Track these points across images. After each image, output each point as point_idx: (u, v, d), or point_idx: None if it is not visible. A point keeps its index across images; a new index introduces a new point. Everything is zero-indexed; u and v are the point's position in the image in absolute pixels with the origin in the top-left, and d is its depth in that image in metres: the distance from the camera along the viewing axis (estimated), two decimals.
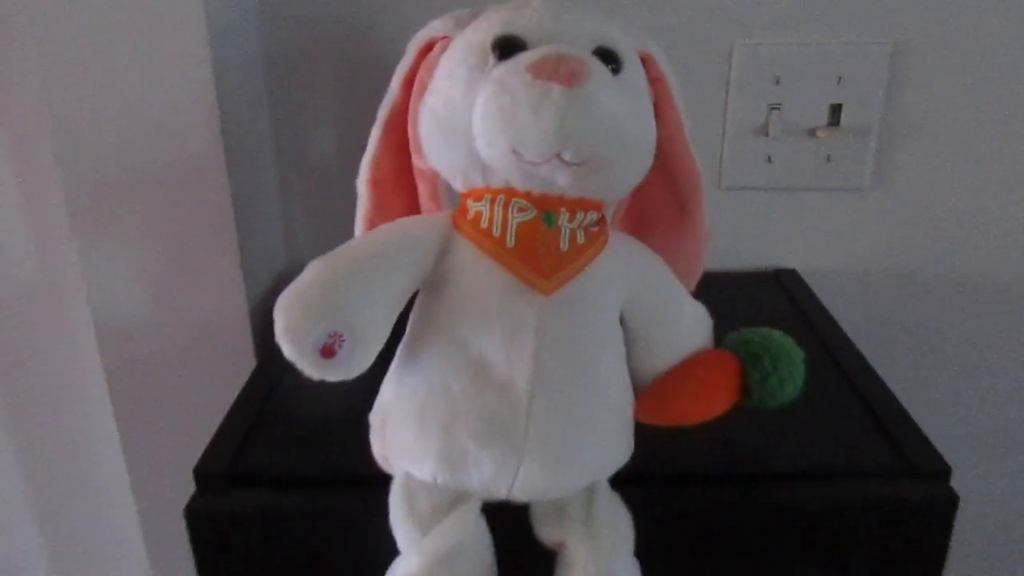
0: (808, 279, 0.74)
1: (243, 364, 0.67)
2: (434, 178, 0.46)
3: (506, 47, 0.40)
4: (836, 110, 0.70)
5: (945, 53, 0.70)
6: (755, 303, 0.69)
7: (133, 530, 0.79)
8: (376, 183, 0.47)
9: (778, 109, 0.70)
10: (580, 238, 0.41)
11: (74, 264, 0.69)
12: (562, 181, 0.40)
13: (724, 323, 0.50)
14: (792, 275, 0.74)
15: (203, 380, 0.69)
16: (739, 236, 0.75)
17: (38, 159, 0.73)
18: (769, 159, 0.71)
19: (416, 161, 0.46)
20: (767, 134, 0.70)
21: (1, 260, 0.77)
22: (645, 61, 0.44)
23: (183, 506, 0.48)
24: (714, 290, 0.69)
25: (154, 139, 0.62)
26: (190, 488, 0.48)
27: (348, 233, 0.51)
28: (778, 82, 0.69)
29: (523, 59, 0.38)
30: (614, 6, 0.68)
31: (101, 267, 0.66)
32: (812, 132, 0.70)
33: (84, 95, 0.61)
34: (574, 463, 0.42)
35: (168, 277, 0.66)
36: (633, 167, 0.43)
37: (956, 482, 0.46)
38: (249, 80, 0.69)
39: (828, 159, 0.71)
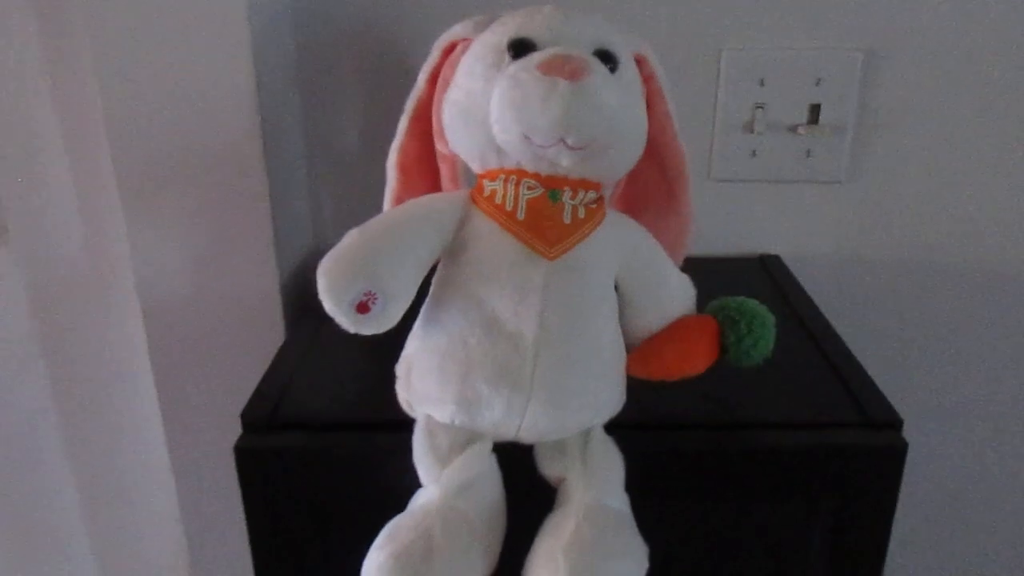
0: (789, 263, 0.77)
1: (274, 335, 0.72)
2: (454, 161, 0.51)
3: (519, 48, 0.45)
4: (815, 109, 0.73)
5: (913, 58, 0.73)
6: (741, 285, 0.73)
7: (166, 478, 0.83)
8: (403, 166, 0.53)
9: (762, 108, 0.72)
10: (580, 213, 0.46)
11: (122, 242, 0.73)
12: (566, 163, 0.45)
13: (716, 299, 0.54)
14: (775, 260, 0.78)
15: (237, 350, 0.73)
16: (727, 224, 0.78)
17: (91, 147, 0.76)
18: (754, 153, 0.74)
19: (439, 146, 0.52)
20: (752, 131, 0.73)
21: (55, 239, 0.80)
22: (639, 62, 0.49)
23: (213, 462, 0.52)
24: (704, 273, 0.74)
25: (198, 128, 0.66)
26: (227, 449, 0.52)
27: (371, 216, 0.53)
28: (762, 83, 0.72)
29: (534, 58, 0.44)
30: (615, 14, 0.71)
31: (147, 245, 0.70)
32: (793, 129, 0.73)
33: (135, 88, 0.65)
34: (573, 407, 0.46)
35: (207, 255, 0.70)
36: (627, 152, 0.48)
37: (910, 435, 0.51)
38: (283, 76, 0.73)
39: (808, 154, 0.74)
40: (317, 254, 0.80)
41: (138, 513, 0.92)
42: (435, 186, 0.53)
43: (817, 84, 0.72)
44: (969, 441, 0.86)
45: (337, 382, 0.58)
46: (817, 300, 0.70)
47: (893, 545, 0.85)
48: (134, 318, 0.75)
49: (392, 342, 0.48)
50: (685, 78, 0.74)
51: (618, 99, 0.45)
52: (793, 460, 0.51)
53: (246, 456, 0.51)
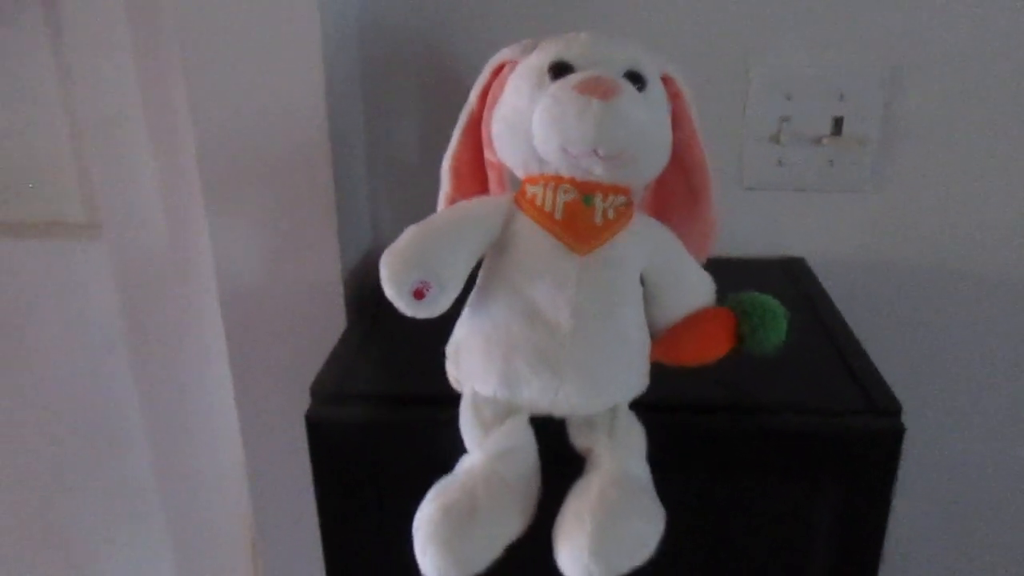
0: (813, 266, 0.80)
1: (336, 322, 0.77)
2: (501, 168, 0.57)
3: (559, 70, 0.51)
4: (839, 122, 0.75)
5: (934, 74, 0.75)
6: (765, 284, 0.76)
7: (238, 450, 0.88)
8: (456, 171, 0.58)
9: (788, 121, 0.76)
10: (611, 214, 0.52)
11: (203, 236, 0.79)
12: (598, 171, 0.50)
13: None
14: (799, 263, 0.81)
15: (303, 335, 0.78)
16: (755, 228, 0.81)
17: (177, 150, 0.82)
18: (780, 163, 0.78)
19: (487, 155, 0.57)
20: (779, 142, 0.76)
21: (143, 235, 0.86)
22: (666, 80, 0.54)
23: (280, 434, 0.54)
24: (732, 274, 0.78)
25: (273, 134, 0.71)
26: (289, 418, 0.56)
27: (425, 216, 0.56)
28: (789, 98, 0.76)
29: (571, 79, 0.49)
30: (648, 33, 0.75)
31: (226, 239, 0.75)
32: (818, 140, 0.76)
33: (218, 96, 0.70)
34: (601, 387, 0.51)
35: (279, 248, 0.75)
36: (653, 161, 0.53)
37: (920, 430, 0.54)
38: (349, 87, 0.78)
39: (831, 164, 0.77)
40: (376, 250, 0.86)
41: (210, 486, 0.98)
42: (484, 189, 0.59)
43: (840, 99, 0.75)
44: (977, 439, 0.88)
45: (393, 362, 0.63)
46: (836, 301, 0.73)
47: (899, 529, 0.88)
48: (212, 307, 0.81)
49: (440, 328, 0.53)
50: (715, 92, 0.77)
51: (645, 115, 0.50)
52: (799, 442, 0.55)
53: (315, 425, 0.57)
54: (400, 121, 0.82)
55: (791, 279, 0.78)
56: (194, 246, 0.87)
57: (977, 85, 0.76)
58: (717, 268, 0.60)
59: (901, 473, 0.55)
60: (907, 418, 0.55)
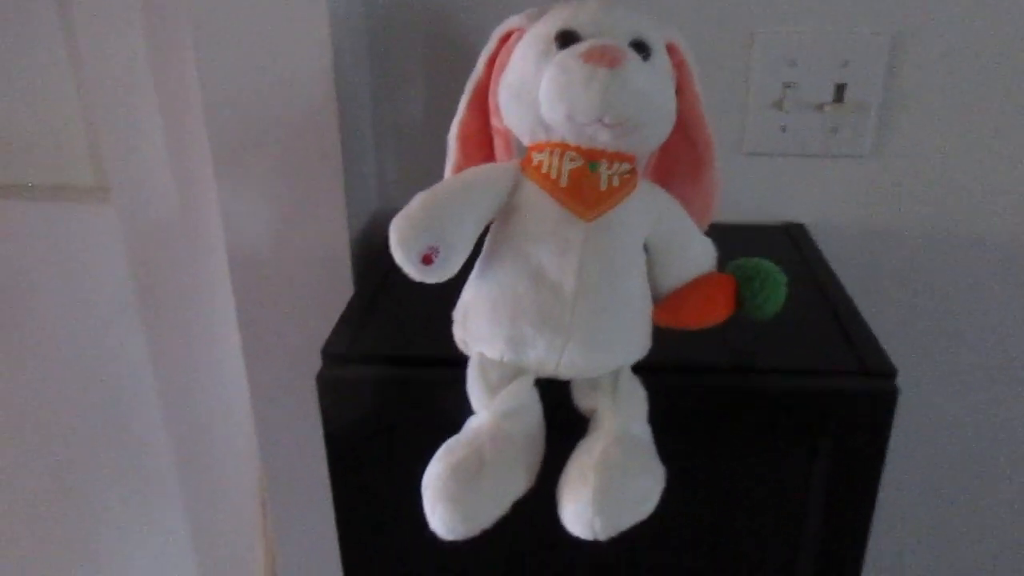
0: (813, 232, 0.81)
1: (344, 286, 0.78)
2: (507, 135, 0.58)
3: (565, 38, 0.52)
4: (841, 89, 0.76)
5: (936, 41, 0.75)
6: (766, 249, 0.76)
7: (247, 414, 0.90)
8: (463, 138, 0.59)
9: (792, 87, 0.76)
10: (616, 181, 0.53)
11: (213, 201, 0.80)
12: (603, 138, 0.51)
13: None
14: (800, 228, 0.82)
15: (311, 298, 0.79)
16: (757, 194, 0.82)
17: (186, 116, 0.83)
18: (783, 129, 0.78)
19: (494, 122, 0.58)
20: (782, 108, 0.77)
21: (152, 198, 0.87)
22: (671, 49, 0.55)
23: (289, 395, 0.56)
24: (734, 238, 0.79)
25: (282, 100, 0.72)
26: (298, 379, 0.58)
27: (431, 182, 0.57)
28: (792, 64, 0.76)
29: (578, 48, 0.50)
30: (654, 3, 0.72)
31: (235, 203, 0.76)
32: (820, 107, 0.77)
33: (226, 62, 0.71)
34: (605, 349, 0.52)
35: (287, 213, 0.76)
36: (657, 129, 0.54)
37: (917, 393, 0.55)
38: (356, 53, 0.78)
39: (834, 130, 0.78)
40: (383, 215, 0.88)
41: (220, 448, 1.00)
42: (490, 157, 0.60)
43: (844, 65, 0.76)
44: (973, 402, 0.90)
45: (402, 324, 0.65)
46: (836, 265, 0.74)
47: (892, 489, 0.90)
48: (222, 271, 0.82)
49: (446, 291, 0.54)
50: (720, 59, 0.78)
51: (650, 84, 0.51)
52: (795, 402, 0.57)
53: (327, 384, 0.58)
54: (407, 86, 0.82)
55: (791, 244, 0.79)
56: (203, 210, 0.88)
57: (978, 52, 0.76)
58: (719, 233, 0.61)
59: (896, 433, 0.57)
60: (903, 380, 0.57)
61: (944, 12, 0.75)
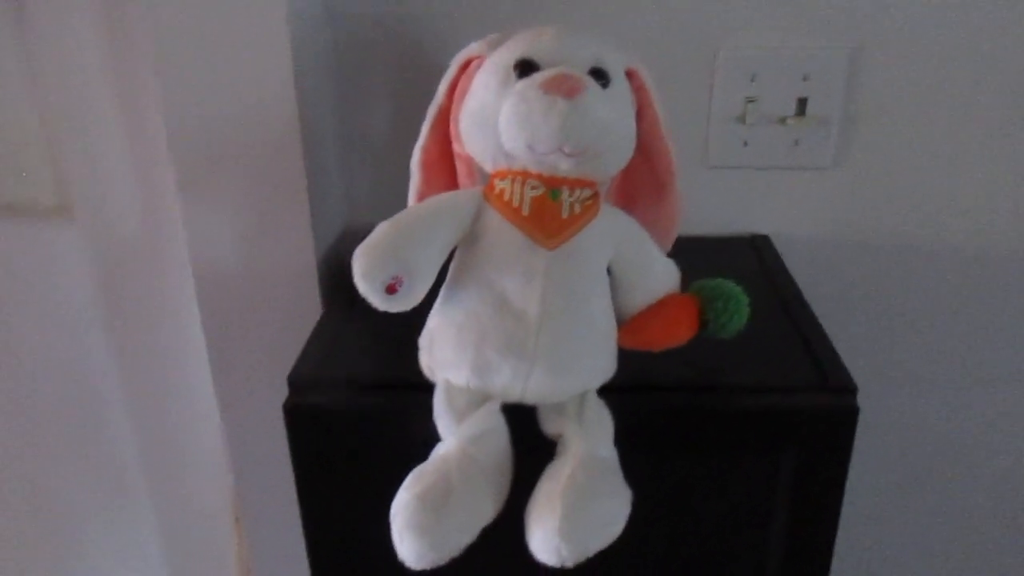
0: (777, 243, 0.82)
1: (312, 307, 0.77)
2: (470, 161, 0.58)
3: (525, 67, 0.52)
4: (803, 102, 0.77)
5: (894, 54, 0.76)
6: (731, 262, 0.79)
7: (217, 434, 0.89)
8: (425, 165, 0.59)
9: (754, 102, 0.77)
10: (577, 208, 0.53)
11: (178, 221, 0.77)
12: (564, 166, 0.52)
13: (708, 275, 0.59)
14: (765, 240, 0.82)
15: (279, 319, 0.78)
16: (721, 207, 0.83)
17: (149, 135, 0.81)
18: (746, 143, 0.79)
19: (456, 148, 0.58)
20: (744, 122, 0.78)
21: (116, 217, 0.86)
22: (631, 75, 0.56)
23: (264, 424, 0.57)
24: (699, 251, 0.80)
25: (244, 120, 0.71)
26: (270, 408, 0.58)
27: (399, 198, 0.60)
28: (754, 79, 0.77)
29: (537, 77, 0.50)
30: (617, 18, 0.75)
31: (200, 224, 0.75)
32: (783, 120, 0.77)
33: (188, 81, 0.70)
34: (570, 374, 0.53)
35: (253, 233, 0.75)
36: (617, 156, 0.55)
37: (879, 405, 0.55)
38: (320, 70, 0.77)
39: (796, 143, 0.78)
40: (351, 232, 0.87)
41: (192, 465, 0.99)
42: (453, 182, 0.60)
43: (804, 79, 0.77)
44: (936, 412, 0.91)
45: (370, 347, 0.64)
46: (800, 277, 0.75)
47: (857, 500, 0.91)
48: (189, 290, 0.80)
49: (415, 310, 0.53)
50: (683, 75, 0.78)
51: (609, 112, 0.51)
52: (758, 420, 0.57)
53: (294, 413, 0.58)
54: (372, 102, 0.82)
55: (756, 256, 0.80)
56: (168, 229, 0.87)
57: (937, 63, 0.77)
58: (685, 246, 0.62)
59: (859, 445, 0.58)
60: (865, 390, 0.58)
61: (902, 25, 0.76)
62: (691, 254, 0.60)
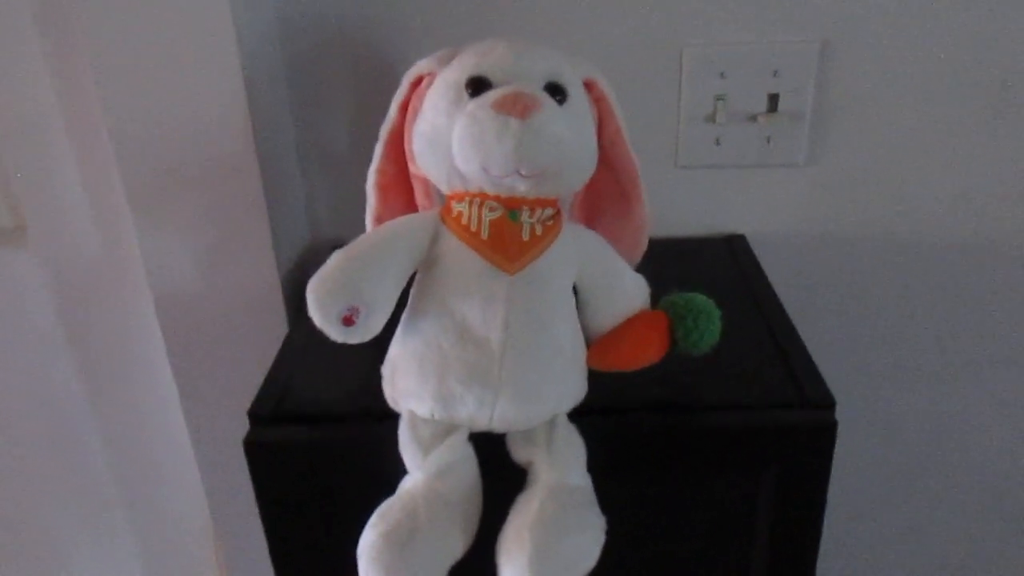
0: (753, 243, 0.80)
1: (278, 326, 0.76)
2: (427, 182, 0.56)
3: (476, 85, 0.50)
4: (774, 99, 0.75)
5: (866, 48, 0.75)
6: (707, 264, 0.78)
7: (190, 453, 0.88)
8: (381, 186, 0.58)
9: (723, 100, 0.75)
10: (539, 229, 0.51)
11: (135, 243, 0.76)
12: (522, 188, 0.50)
13: (680, 280, 0.58)
14: (740, 239, 0.81)
15: (244, 340, 0.77)
16: (694, 208, 0.81)
17: (100, 155, 0.79)
18: (717, 141, 0.77)
19: (412, 168, 0.56)
20: (715, 121, 0.76)
21: (72, 239, 0.84)
22: (589, 86, 0.54)
23: (234, 444, 0.57)
24: (673, 253, 0.79)
25: (196, 138, 0.70)
26: (240, 428, 0.56)
27: (363, 211, 0.59)
28: (723, 76, 0.75)
29: (489, 96, 0.48)
30: (581, 18, 0.74)
31: (156, 247, 0.74)
32: (754, 118, 0.76)
33: (134, 102, 0.69)
34: (537, 401, 0.51)
35: (213, 255, 0.74)
36: (577, 174, 0.53)
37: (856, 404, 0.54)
38: (274, 83, 0.76)
39: (768, 140, 0.77)
40: (314, 249, 0.85)
41: (166, 486, 0.98)
42: (411, 203, 0.58)
43: (775, 75, 0.75)
44: (913, 406, 0.91)
45: (335, 376, 0.62)
46: (777, 276, 0.74)
47: (838, 509, 0.91)
48: (151, 311, 0.79)
49: (386, 335, 0.52)
50: (650, 75, 0.76)
51: (566, 129, 0.49)
52: (737, 438, 0.56)
53: (255, 449, 0.56)
54: (331, 113, 0.80)
55: (731, 257, 0.79)
56: (126, 250, 0.85)
57: (909, 56, 0.76)
58: (658, 249, 0.60)
59: (839, 444, 0.56)
60: (844, 391, 0.56)
61: (873, 17, 0.74)
62: (665, 257, 0.58)
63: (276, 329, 0.77)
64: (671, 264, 0.58)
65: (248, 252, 0.75)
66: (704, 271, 0.77)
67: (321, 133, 0.81)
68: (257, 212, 0.73)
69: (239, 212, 0.73)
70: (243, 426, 0.58)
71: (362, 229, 0.58)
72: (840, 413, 0.57)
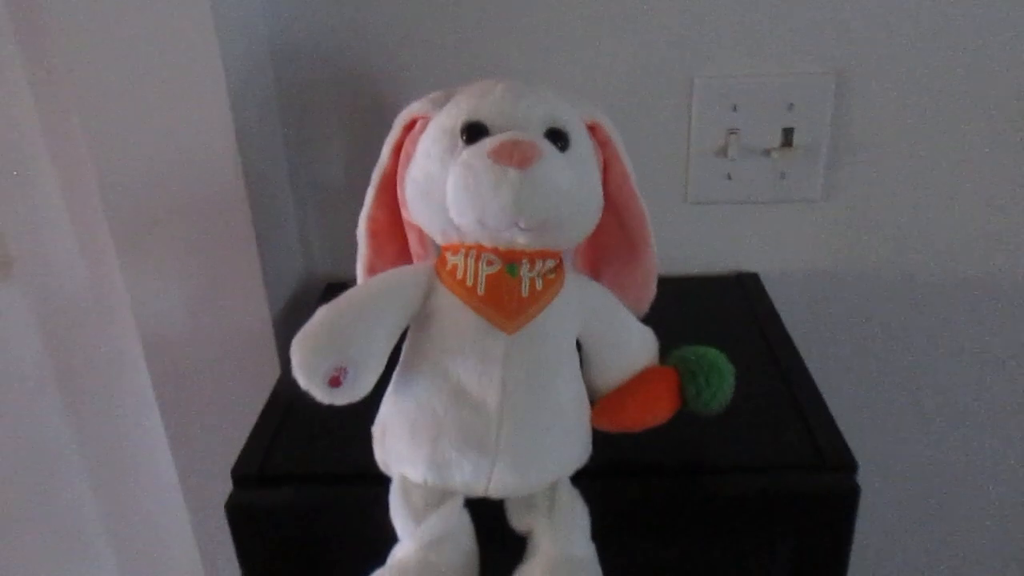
0: (767, 281, 0.78)
1: (270, 366, 0.74)
2: (421, 229, 0.52)
3: (472, 132, 0.47)
4: (788, 133, 0.73)
5: (884, 80, 0.72)
6: (718, 303, 0.75)
7: (179, 508, 0.86)
8: (373, 233, 0.54)
9: (736, 133, 0.73)
10: (539, 284, 0.48)
11: (121, 284, 0.74)
12: (522, 240, 0.47)
13: (689, 320, 0.55)
14: (753, 278, 0.78)
15: (236, 384, 0.75)
16: (704, 244, 0.78)
17: (86, 192, 0.77)
18: (729, 176, 0.75)
19: (405, 215, 0.53)
20: (727, 155, 0.73)
21: (59, 274, 0.83)
22: (593, 128, 0.51)
23: (218, 481, 0.54)
24: (682, 292, 0.76)
25: (183, 174, 0.68)
26: (224, 467, 0.54)
27: (356, 247, 0.56)
28: (735, 109, 0.72)
29: (485, 144, 0.45)
30: (589, 50, 0.72)
31: (143, 287, 0.72)
32: (767, 152, 0.73)
33: (120, 135, 0.67)
34: (537, 467, 0.48)
35: (202, 295, 0.72)
36: (581, 224, 0.50)
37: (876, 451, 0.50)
38: (266, 117, 0.74)
39: (782, 176, 0.74)
40: (308, 287, 0.82)
41: (155, 526, 0.96)
42: (404, 251, 0.55)
43: (789, 108, 0.72)
44: (936, 445, 0.87)
45: (325, 432, 0.59)
46: (791, 317, 0.71)
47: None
48: (140, 347, 0.77)
49: (382, 386, 0.50)
50: (659, 108, 0.74)
51: (569, 178, 0.46)
52: (750, 504, 0.53)
53: (237, 512, 0.53)
54: (327, 147, 0.78)
55: (743, 297, 0.76)
56: (115, 284, 0.82)
57: (930, 88, 0.73)
58: (668, 287, 0.58)
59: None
60: (864, 438, 0.53)
61: (890, 47, 0.72)
62: (673, 296, 0.56)
63: (269, 370, 0.74)
64: (680, 304, 0.55)
65: (239, 291, 0.72)
66: (715, 311, 0.74)
67: (316, 168, 0.79)
68: (247, 249, 0.71)
69: (228, 249, 0.71)
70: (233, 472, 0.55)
71: None
72: (862, 472, 0.53)
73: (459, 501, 0.49)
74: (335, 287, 0.53)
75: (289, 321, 0.76)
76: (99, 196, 0.69)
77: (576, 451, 0.51)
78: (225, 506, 0.54)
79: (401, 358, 0.50)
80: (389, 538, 0.49)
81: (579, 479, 0.51)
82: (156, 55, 0.64)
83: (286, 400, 0.64)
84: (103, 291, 0.83)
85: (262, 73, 0.73)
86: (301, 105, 0.76)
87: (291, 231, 0.80)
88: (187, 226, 0.70)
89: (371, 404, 0.51)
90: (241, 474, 0.56)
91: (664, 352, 0.54)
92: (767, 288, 0.77)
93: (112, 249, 0.76)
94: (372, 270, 0.55)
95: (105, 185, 0.69)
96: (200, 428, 0.78)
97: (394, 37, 0.73)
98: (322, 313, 0.47)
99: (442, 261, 0.50)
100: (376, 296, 0.49)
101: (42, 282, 0.84)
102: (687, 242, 0.79)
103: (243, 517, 0.54)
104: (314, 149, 0.78)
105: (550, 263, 0.49)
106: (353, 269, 0.56)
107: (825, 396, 0.60)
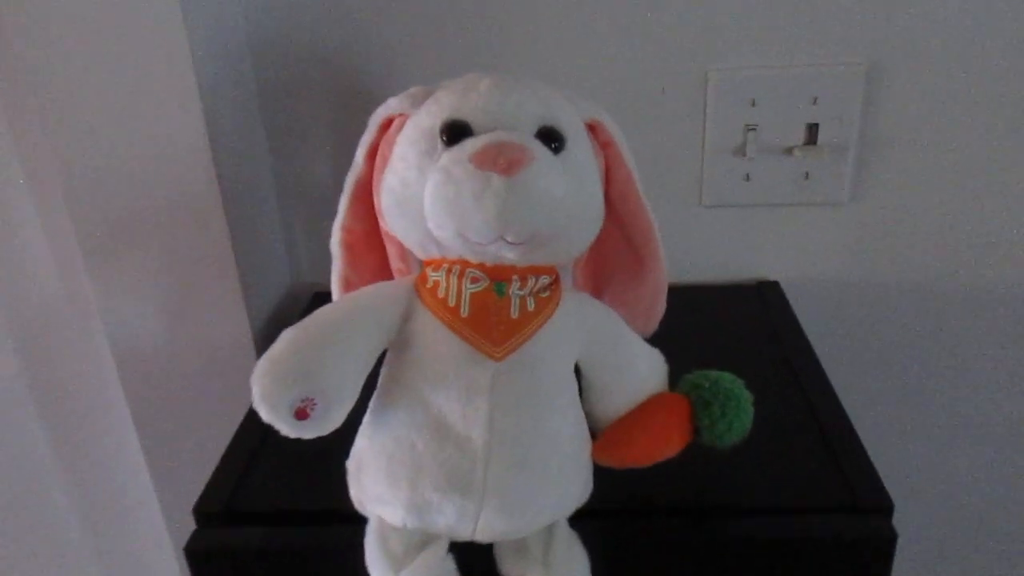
0: (788, 290, 0.74)
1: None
2: (400, 241, 0.47)
3: (453, 132, 0.42)
4: (813, 129, 0.69)
5: (918, 71, 0.69)
6: (735, 314, 0.71)
7: (159, 527, 0.83)
8: (348, 245, 0.49)
9: (754, 130, 0.69)
10: (530, 305, 0.43)
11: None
12: (511, 256, 0.42)
13: (704, 334, 0.50)
14: (774, 286, 0.74)
15: (214, 397, 0.72)
16: (721, 250, 0.75)
17: (58, 203, 0.72)
18: (747, 177, 0.71)
19: (383, 225, 0.48)
20: (744, 154, 0.69)
21: (32, 284, 0.79)
22: (594, 128, 0.46)
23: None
24: (696, 302, 0.72)
25: (153, 182, 0.64)
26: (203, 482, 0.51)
27: None
28: (754, 104, 0.68)
29: (467, 147, 0.40)
30: (595, 44, 0.68)
31: (114, 300, 0.69)
32: (789, 151, 0.69)
33: (87, 141, 0.64)
34: (530, 509, 0.44)
35: (176, 307, 0.69)
36: (578, 237, 0.45)
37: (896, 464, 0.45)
38: (244, 118, 0.70)
39: (806, 176, 0.70)
40: (295, 295, 0.78)
41: (132, 534, 0.93)
42: (383, 264, 0.50)
43: (814, 102, 0.68)
44: (970, 459, 0.83)
45: (297, 466, 0.54)
46: (815, 328, 0.67)
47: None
48: (112, 368, 0.74)
49: (357, 420, 0.45)
50: (670, 101, 0.70)
51: (563, 185, 0.41)
52: (772, 550, 0.48)
53: (196, 557, 0.49)
54: (313, 147, 0.74)
55: (762, 307, 0.72)
56: (88, 296, 0.78)
57: (964, 82, 0.69)
58: (682, 296, 0.53)
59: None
60: (891, 453, 0.47)
61: (925, 37, 0.68)
62: (687, 306, 0.51)
63: (248, 386, 0.70)
64: (693, 315, 0.51)
65: (215, 304, 0.69)
66: (731, 323, 0.70)
67: (303, 170, 0.75)
68: (223, 256, 0.67)
69: (203, 257, 0.67)
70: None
71: None
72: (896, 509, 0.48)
73: (443, 546, 0.44)
74: (323, 296, 0.49)
75: (272, 333, 0.71)
76: (64, 202, 0.65)
77: (574, 490, 0.46)
78: (185, 548, 0.49)
79: (378, 386, 0.45)
80: None
81: (578, 520, 0.47)
82: (122, 52, 0.61)
83: (260, 428, 0.59)
84: (77, 299, 0.80)
85: (239, 69, 0.69)
86: (286, 104, 0.72)
87: (275, 236, 0.76)
88: (159, 233, 0.66)
89: (351, 432, 0.46)
90: (206, 511, 0.51)
91: (674, 377, 0.49)
92: (788, 298, 0.73)
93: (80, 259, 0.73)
94: (348, 287, 0.50)
95: (70, 190, 0.65)
96: (177, 447, 0.75)
97: (386, 28, 0.69)
98: (286, 338, 0.43)
99: (423, 278, 0.45)
100: (349, 317, 0.44)
101: (15, 291, 0.80)
102: (702, 249, 0.75)
103: (204, 560, 0.49)
104: (301, 150, 0.74)
105: (544, 280, 0.44)
106: None
107: (853, 419, 0.55)
